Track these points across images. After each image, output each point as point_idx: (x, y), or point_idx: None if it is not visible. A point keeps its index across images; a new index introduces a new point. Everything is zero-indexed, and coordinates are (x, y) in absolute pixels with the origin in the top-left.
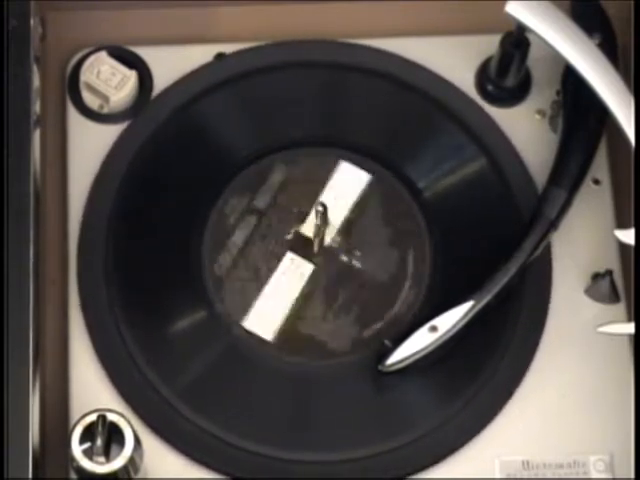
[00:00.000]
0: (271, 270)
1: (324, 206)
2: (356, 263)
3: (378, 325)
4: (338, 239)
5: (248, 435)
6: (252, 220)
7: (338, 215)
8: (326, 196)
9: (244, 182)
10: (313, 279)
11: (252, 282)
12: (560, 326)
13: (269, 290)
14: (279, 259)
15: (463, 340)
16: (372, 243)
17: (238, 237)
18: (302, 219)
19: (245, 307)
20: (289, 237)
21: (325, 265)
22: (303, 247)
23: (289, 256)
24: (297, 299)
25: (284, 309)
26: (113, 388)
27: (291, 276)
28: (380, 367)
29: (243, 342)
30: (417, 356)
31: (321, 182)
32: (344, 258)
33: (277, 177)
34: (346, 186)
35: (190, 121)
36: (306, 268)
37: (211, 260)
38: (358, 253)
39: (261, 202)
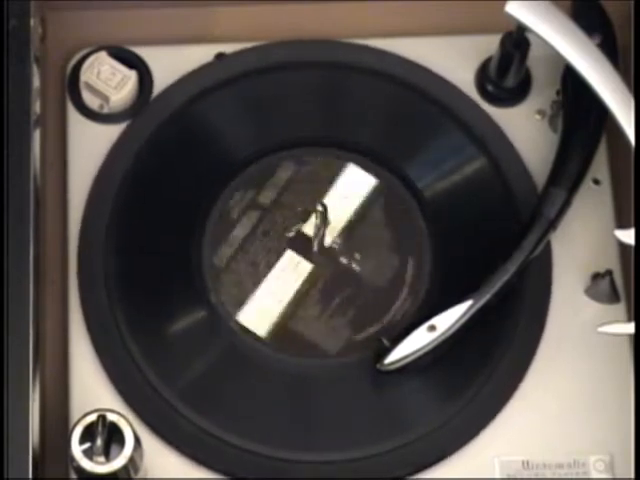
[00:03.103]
0: (270, 266)
1: (324, 206)
2: (355, 265)
3: (378, 324)
4: (339, 240)
5: (248, 435)
6: (255, 215)
7: (341, 217)
8: (331, 197)
9: (250, 177)
10: (312, 278)
11: (250, 277)
12: (560, 326)
13: (266, 286)
14: (279, 256)
15: (463, 340)
16: (372, 242)
17: (239, 231)
18: (305, 218)
19: (242, 301)
20: (290, 235)
21: (324, 265)
22: (304, 246)
23: (289, 254)
24: (294, 297)
25: (279, 306)
26: (113, 388)
27: (289, 274)
28: (378, 366)
29: (243, 342)
30: (415, 355)
31: (327, 183)
32: (343, 260)
33: (283, 175)
34: (352, 188)
35: (190, 121)
36: (304, 267)
37: (211, 256)
38: (357, 256)
39: (266, 198)
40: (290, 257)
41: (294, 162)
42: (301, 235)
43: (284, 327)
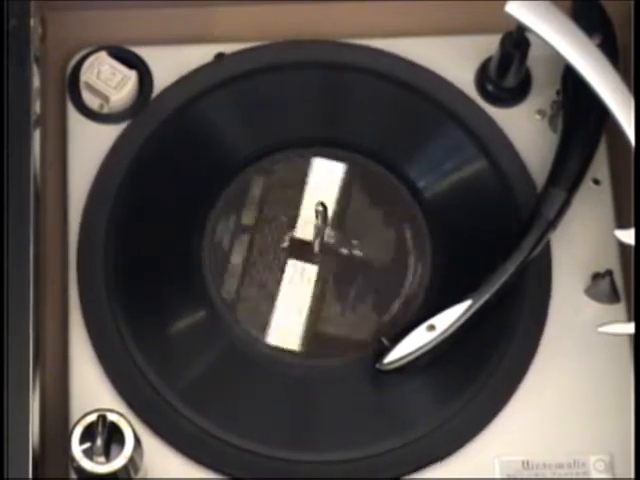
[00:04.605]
0: (278, 281)
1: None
2: (357, 251)
3: (393, 309)
4: (332, 234)
5: (248, 435)
6: (245, 238)
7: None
8: (309, 196)
9: (227, 202)
10: (321, 279)
11: (263, 298)
12: (560, 326)
13: (281, 301)
14: (282, 268)
15: (463, 340)
16: (364, 224)
17: (236, 258)
18: (292, 224)
19: (264, 324)
20: (285, 245)
21: (328, 262)
22: (302, 251)
23: (291, 263)
24: (312, 302)
25: (301, 316)
26: (113, 388)
27: (298, 282)
28: (378, 366)
29: (243, 342)
30: (415, 355)
31: (300, 183)
32: (344, 250)
33: (256, 190)
34: (325, 181)
35: (190, 121)
36: (310, 270)
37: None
38: (355, 242)
39: (249, 218)
40: (293, 266)
41: (262, 175)
42: (296, 241)
43: (314, 334)
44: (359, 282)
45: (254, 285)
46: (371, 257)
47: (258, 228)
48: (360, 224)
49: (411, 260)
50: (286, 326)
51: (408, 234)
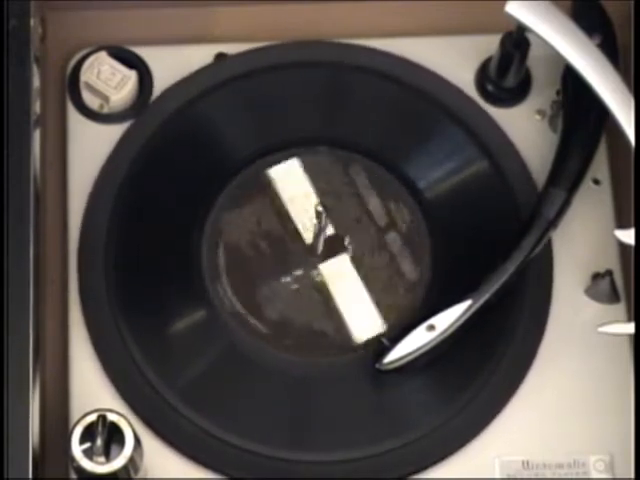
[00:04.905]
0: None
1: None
2: (351, 246)
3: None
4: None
5: (248, 435)
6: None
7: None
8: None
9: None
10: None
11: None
12: (560, 326)
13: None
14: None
15: (463, 340)
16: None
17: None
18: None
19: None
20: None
21: (328, 262)
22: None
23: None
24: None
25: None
26: (113, 388)
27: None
28: (378, 365)
29: (243, 342)
30: (414, 355)
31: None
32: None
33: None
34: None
35: (190, 121)
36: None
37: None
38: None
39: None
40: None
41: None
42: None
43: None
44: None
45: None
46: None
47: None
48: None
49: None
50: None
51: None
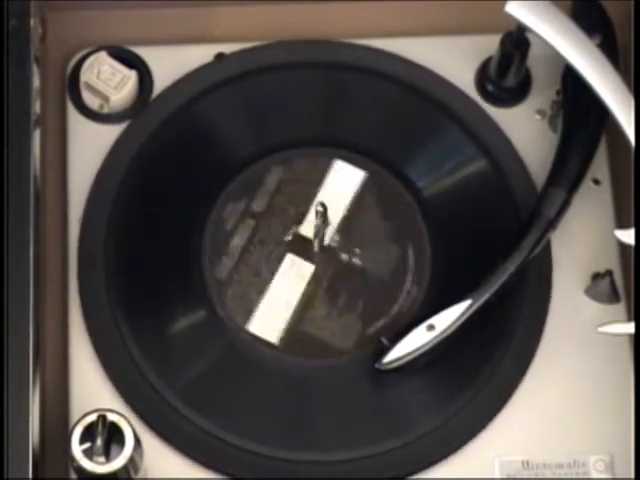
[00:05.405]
0: (272, 272)
1: (324, 206)
2: (356, 261)
3: (379, 324)
4: (337, 238)
5: (248, 435)
6: (250, 223)
7: (336, 214)
8: (322, 195)
9: (241, 185)
10: (315, 279)
11: (253, 284)
12: (560, 326)
13: (271, 293)
14: (279, 261)
15: (463, 340)
16: (370, 235)
17: (237, 241)
18: (300, 220)
19: (247, 309)
20: (288, 239)
21: (325, 264)
22: (303, 248)
23: (289, 257)
24: (301, 300)
25: (287, 311)
26: (113, 388)
27: (292, 277)
28: (377, 365)
29: (243, 342)
30: (414, 354)
31: (316, 182)
32: (344, 257)
33: (273, 179)
34: (342, 184)
35: (190, 121)
36: (307, 268)
37: (211, 262)
38: (358, 251)
39: (258, 205)
40: (291, 260)
41: (282, 166)
42: (298, 237)
43: (295, 331)
44: (350, 291)
45: (248, 270)
46: (369, 269)
47: (266, 216)
48: (366, 235)
49: (411, 260)
50: (270, 318)
51: (410, 260)
